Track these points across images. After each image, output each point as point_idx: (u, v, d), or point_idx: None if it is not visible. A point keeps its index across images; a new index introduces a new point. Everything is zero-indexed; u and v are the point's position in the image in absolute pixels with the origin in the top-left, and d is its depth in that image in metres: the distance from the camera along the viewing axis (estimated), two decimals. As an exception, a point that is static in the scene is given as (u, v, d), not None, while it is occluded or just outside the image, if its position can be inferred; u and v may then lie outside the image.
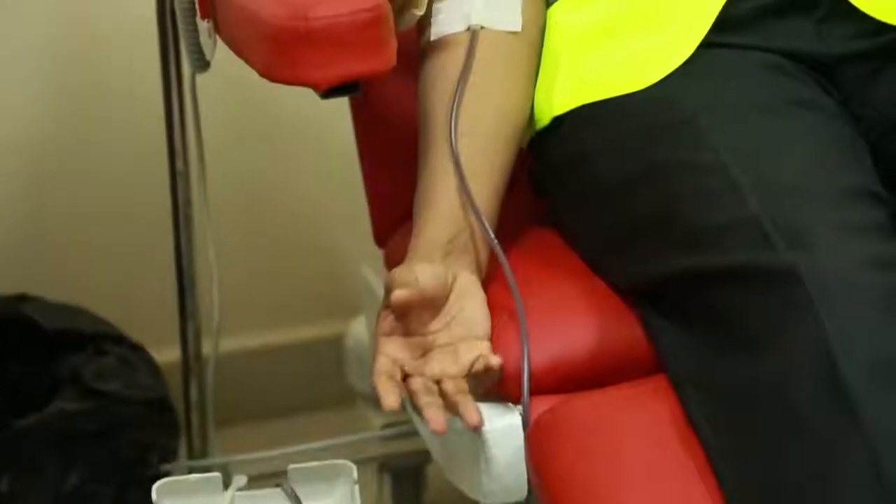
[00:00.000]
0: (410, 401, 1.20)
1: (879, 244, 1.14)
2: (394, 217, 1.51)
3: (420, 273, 1.21)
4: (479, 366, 1.20)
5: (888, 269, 1.12)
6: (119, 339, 1.78)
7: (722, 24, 1.29)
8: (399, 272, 1.22)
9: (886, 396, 1.07)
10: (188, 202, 1.67)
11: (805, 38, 1.30)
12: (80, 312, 1.82)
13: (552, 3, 1.40)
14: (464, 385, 1.19)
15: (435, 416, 1.16)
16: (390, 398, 1.17)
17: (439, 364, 1.21)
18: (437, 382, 1.19)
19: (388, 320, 1.22)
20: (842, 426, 1.07)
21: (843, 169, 1.20)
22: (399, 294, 1.19)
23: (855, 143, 1.25)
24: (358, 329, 1.91)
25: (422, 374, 1.20)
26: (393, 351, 1.21)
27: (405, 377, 1.20)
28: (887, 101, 1.29)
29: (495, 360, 1.20)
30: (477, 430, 1.20)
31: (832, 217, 1.15)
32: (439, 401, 1.18)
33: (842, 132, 1.25)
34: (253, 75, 1.27)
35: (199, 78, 1.55)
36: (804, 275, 1.11)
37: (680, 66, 1.28)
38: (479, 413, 1.19)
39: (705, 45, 1.29)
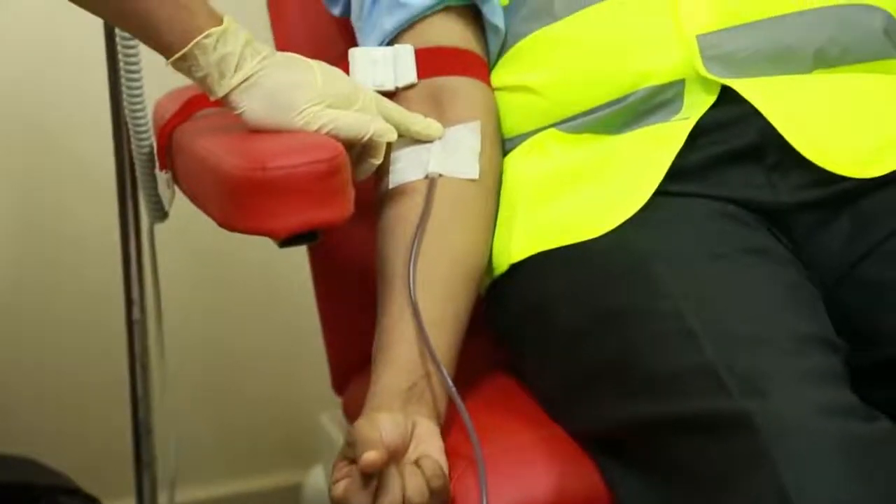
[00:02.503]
0: None
1: (834, 391, 1.15)
2: (352, 364, 1.51)
3: (384, 428, 1.20)
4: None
5: (844, 417, 1.12)
6: (73, 492, 1.76)
7: (675, 173, 1.31)
8: (363, 428, 1.20)
9: None
10: (145, 351, 1.67)
11: (756, 188, 1.32)
12: (32, 464, 1.79)
13: (509, 152, 1.42)
14: None
15: None
16: None
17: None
18: None
19: (345, 471, 1.21)
20: None
21: (797, 316, 1.21)
22: (368, 458, 1.17)
23: (808, 290, 1.26)
24: (316, 478, 1.89)
25: None
26: (350, 497, 1.20)
27: None
28: (838, 249, 1.31)
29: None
30: None
31: (787, 365, 1.15)
32: None
33: (795, 279, 1.27)
34: (211, 224, 1.28)
35: (157, 226, 1.56)
36: (760, 423, 1.11)
37: (634, 215, 1.30)
38: None
39: (659, 193, 1.30)
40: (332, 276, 1.56)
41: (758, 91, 1.31)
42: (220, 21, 1.25)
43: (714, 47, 1.33)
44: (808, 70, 1.35)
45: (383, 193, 1.37)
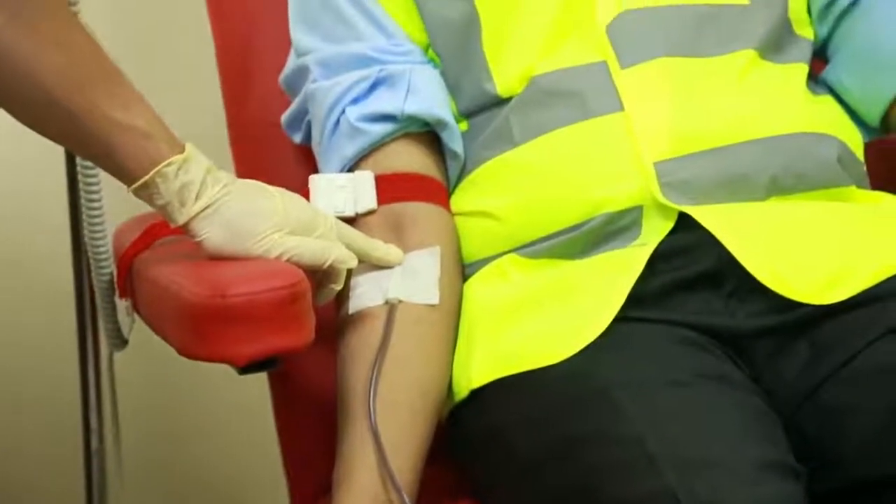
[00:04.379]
0: None
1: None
2: (313, 490, 1.50)
3: None
4: None
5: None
6: None
7: (634, 299, 1.32)
8: None
9: None
10: (103, 479, 1.65)
11: (714, 314, 1.32)
12: None
13: (469, 277, 1.42)
14: None
15: None
16: None
17: None
18: None
19: None
20: None
21: (757, 442, 1.21)
22: None
23: (767, 415, 1.27)
24: None
25: None
26: None
27: None
28: (797, 375, 1.31)
29: None
30: None
31: (747, 491, 1.15)
32: None
33: (754, 405, 1.27)
34: (170, 350, 1.27)
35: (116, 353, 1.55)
36: None
37: (595, 340, 1.30)
38: None
39: (619, 319, 1.31)
40: (293, 402, 1.56)
41: (715, 218, 1.33)
42: (181, 149, 1.25)
43: (671, 174, 1.34)
44: (763, 197, 1.36)
45: (343, 319, 1.37)
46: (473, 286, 1.41)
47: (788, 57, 1.45)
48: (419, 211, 1.41)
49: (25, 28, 1.19)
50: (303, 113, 1.51)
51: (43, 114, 1.22)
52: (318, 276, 1.31)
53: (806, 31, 1.49)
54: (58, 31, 1.21)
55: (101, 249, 1.44)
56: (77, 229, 1.58)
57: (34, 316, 1.94)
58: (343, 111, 1.43)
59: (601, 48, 1.40)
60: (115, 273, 1.44)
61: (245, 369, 1.24)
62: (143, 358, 1.62)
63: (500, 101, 1.43)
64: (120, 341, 1.50)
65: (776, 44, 1.44)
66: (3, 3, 1.18)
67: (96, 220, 1.44)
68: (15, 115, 1.23)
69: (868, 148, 1.47)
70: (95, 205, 1.42)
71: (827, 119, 1.43)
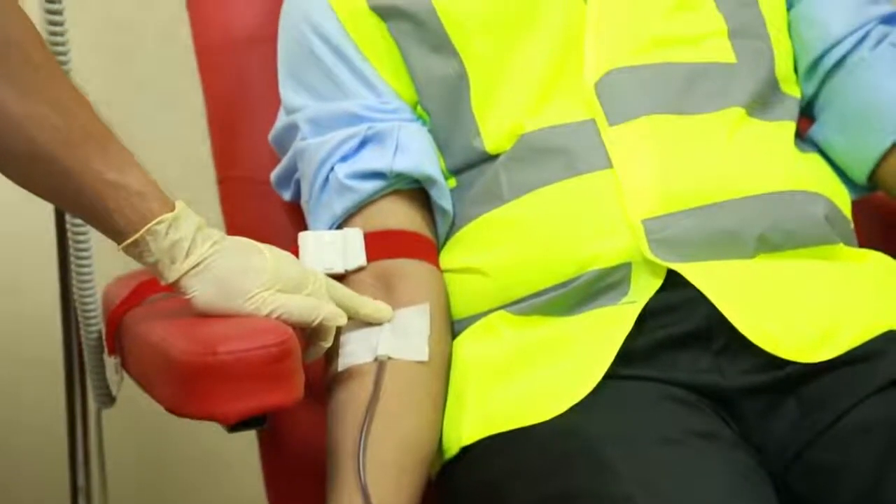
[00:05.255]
0: None
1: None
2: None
3: None
4: None
5: None
6: None
7: (624, 356, 1.32)
8: None
9: None
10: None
11: (703, 372, 1.32)
12: None
13: (458, 334, 1.42)
14: None
15: None
16: None
17: None
18: None
19: None
20: None
21: (747, 501, 1.21)
22: None
23: (757, 474, 1.26)
24: None
25: None
26: None
27: None
28: (786, 434, 1.31)
29: None
30: None
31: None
32: None
33: (744, 464, 1.27)
34: (158, 407, 1.27)
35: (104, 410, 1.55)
36: None
37: (585, 398, 1.30)
38: None
39: (609, 376, 1.31)
40: (281, 460, 1.55)
41: (704, 275, 1.33)
42: (172, 207, 1.26)
43: (659, 231, 1.34)
44: (752, 255, 1.36)
45: (333, 376, 1.37)
46: (463, 343, 1.41)
47: (775, 115, 1.46)
48: (408, 268, 1.41)
49: (18, 87, 1.19)
50: (292, 170, 1.51)
51: (34, 172, 1.23)
52: (308, 333, 1.31)
53: (793, 90, 1.50)
54: (50, 90, 1.21)
55: (90, 307, 1.44)
56: (66, 286, 1.58)
57: (23, 372, 1.93)
58: (332, 168, 1.43)
59: (589, 106, 1.41)
60: (103, 330, 1.44)
61: (234, 427, 1.24)
62: (131, 415, 1.61)
63: (489, 158, 1.44)
64: (108, 398, 1.50)
65: (763, 102, 1.45)
66: None
67: (86, 278, 1.44)
68: (6, 173, 1.23)
69: (855, 205, 1.48)
70: (85, 262, 1.42)
71: (814, 177, 1.44)
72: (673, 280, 1.33)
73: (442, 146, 1.47)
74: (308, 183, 1.46)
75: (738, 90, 1.43)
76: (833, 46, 1.50)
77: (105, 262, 1.44)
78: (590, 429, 1.27)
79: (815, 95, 1.52)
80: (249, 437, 1.55)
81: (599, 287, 1.35)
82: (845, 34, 1.49)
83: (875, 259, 1.44)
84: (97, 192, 1.23)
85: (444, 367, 1.39)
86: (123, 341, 1.38)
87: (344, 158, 1.43)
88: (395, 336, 1.37)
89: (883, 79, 1.47)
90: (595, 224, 1.36)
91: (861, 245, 1.46)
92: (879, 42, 1.49)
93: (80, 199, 1.24)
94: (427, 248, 1.44)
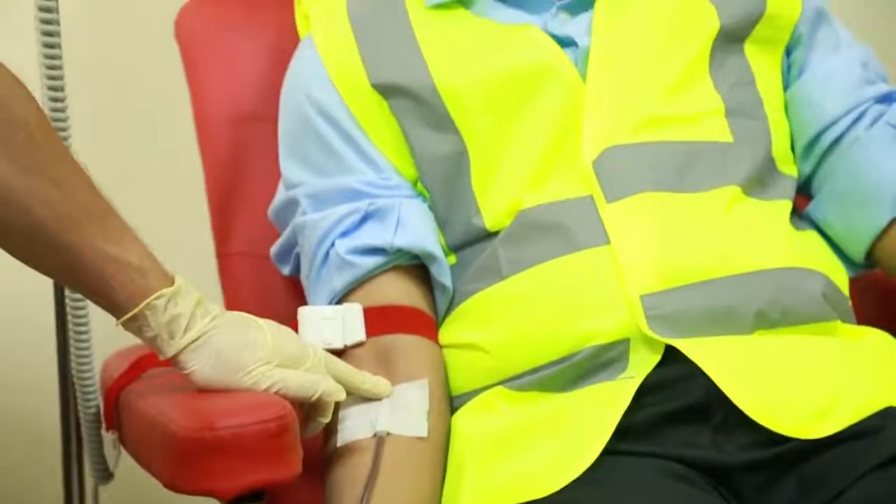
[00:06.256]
0: None
1: None
2: None
3: None
4: None
5: None
6: None
7: (622, 432, 1.31)
8: None
9: None
10: None
11: (702, 447, 1.32)
12: None
13: (457, 409, 1.42)
14: None
15: None
16: None
17: None
18: None
19: None
20: None
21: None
22: None
23: None
24: None
25: None
26: None
27: None
28: (785, 508, 1.31)
29: None
30: None
31: None
32: None
33: (743, 538, 1.27)
34: (156, 483, 1.27)
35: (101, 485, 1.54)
36: None
37: (583, 474, 1.30)
38: None
39: (607, 451, 1.31)
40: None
41: (702, 351, 1.33)
42: (171, 281, 1.26)
43: (657, 307, 1.35)
44: (750, 331, 1.37)
45: (331, 451, 1.37)
46: (461, 419, 1.41)
47: (772, 194, 1.47)
48: (408, 343, 1.41)
49: (21, 164, 1.20)
50: (291, 245, 1.52)
51: (36, 247, 1.23)
52: (307, 408, 1.31)
53: (790, 168, 1.51)
54: (52, 166, 1.22)
55: (88, 381, 1.44)
56: (64, 360, 1.58)
57: (20, 446, 1.92)
58: (333, 244, 1.44)
59: (587, 182, 1.42)
60: (101, 405, 1.44)
61: (232, 502, 1.24)
62: (129, 491, 1.60)
63: (489, 235, 1.44)
64: (105, 474, 1.49)
65: (760, 181, 1.46)
66: None
67: (84, 352, 1.44)
68: (7, 248, 1.23)
69: (853, 283, 1.49)
70: (83, 336, 1.43)
71: (811, 254, 1.45)
72: (671, 356, 1.34)
73: (441, 223, 1.47)
74: (308, 258, 1.46)
75: (735, 169, 1.44)
76: (829, 126, 1.51)
77: (103, 337, 1.44)
78: (588, 505, 1.27)
79: (813, 174, 1.53)
80: None
81: (598, 363, 1.35)
82: (841, 114, 1.51)
83: (873, 336, 1.44)
84: (97, 267, 1.23)
85: (443, 442, 1.39)
86: (121, 416, 1.38)
87: (345, 234, 1.44)
88: (394, 412, 1.37)
89: (879, 158, 1.48)
90: (593, 300, 1.36)
91: (859, 322, 1.46)
92: (875, 121, 1.50)
93: (80, 273, 1.24)
94: (426, 324, 1.44)
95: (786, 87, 1.54)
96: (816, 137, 1.51)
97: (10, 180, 1.19)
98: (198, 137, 1.65)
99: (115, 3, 1.87)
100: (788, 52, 1.54)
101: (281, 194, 1.52)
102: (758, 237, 1.41)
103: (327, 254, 1.44)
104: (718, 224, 1.40)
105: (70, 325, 1.43)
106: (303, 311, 1.42)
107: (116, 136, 1.92)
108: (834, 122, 1.51)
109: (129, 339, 1.32)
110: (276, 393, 1.27)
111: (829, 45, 1.54)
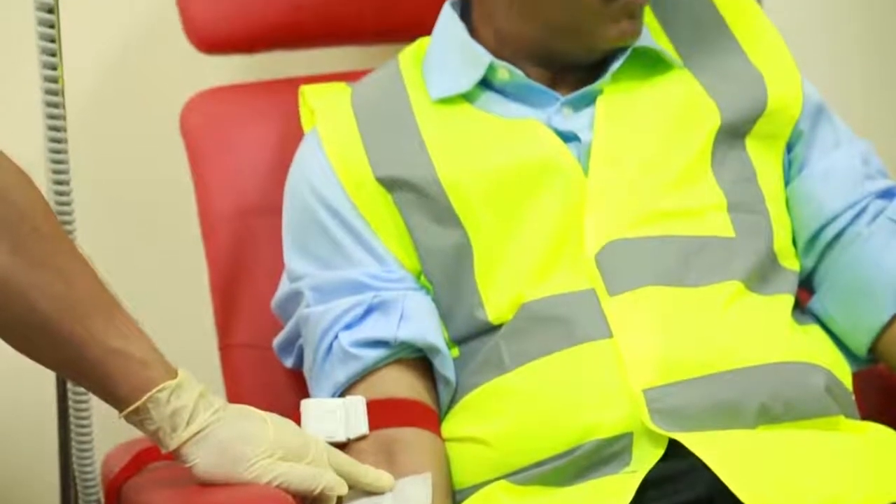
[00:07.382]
0: None
1: None
2: None
3: None
4: None
5: None
6: None
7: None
8: None
9: None
10: None
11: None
12: None
13: (459, 503, 1.41)
14: None
15: None
16: None
17: None
18: None
19: None
20: None
21: None
22: None
23: None
24: None
25: None
26: None
27: None
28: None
29: None
30: None
31: None
32: None
33: None
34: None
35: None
36: None
37: None
38: None
39: None
40: None
41: (705, 445, 1.33)
42: (174, 374, 1.26)
43: (660, 401, 1.35)
44: (753, 425, 1.36)
45: (334, 545, 1.36)
46: (463, 512, 1.40)
47: (774, 288, 1.47)
48: (410, 437, 1.41)
49: (26, 257, 1.20)
50: (295, 337, 1.52)
51: (39, 341, 1.23)
52: (309, 502, 1.31)
53: (791, 263, 1.51)
54: (56, 259, 1.22)
55: (90, 474, 1.44)
56: (66, 453, 1.57)
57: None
58: (336, 336, 1.44)
59: (590, 276, 1.42)
60: (103, 499, 1.43)
61: None
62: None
63: (491, 328, 1.44)
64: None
65: (762, 275, 1.46)
66: (4, 233, 1.20)
67: (85, 445, 1.44)
68: (10, 341, 1.24)
69: (857, 377, 1.48)
70: (85, 430, 1.42)
71: (814, 349, 1.45)
72: (675, 449, 1.33)
73: (444, 316, 1.47)
74: (311, 350, 1.46)
75: (737, 264, 1.44)
76: (831, 222, 1.51)
77: (105, 429, 1.44)
78: None
79: (815, 269, 1.53)
80: None
81: (601, 457, 1.35)
82: (842, 209, 1.51)
83: (876, 431, 1.43)
84: (99, 360, 1.23)
85: (446, 534, 1.38)
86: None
87: (348, 326, 1.44)
88: (396, 502, 1.36)
89: (880, 253, 1.49)
90: (595, 393, 1.36)
91: (862, 417, 1.46)
92: (876, 217, 1.51)
93: (82, 366, 1.24)
94: (429, 417, 1.44)
95: (787, 183, 1.55)
96: (818, 233, 1.52)
97: (15, 272, 1.20)
98: (201, 229, 1.65)
99: (121, 98, 1.89)
100: (789, 147, 1.55)
101: (285, 286, 1.53)
102: (759, 332, 1.41)
103: (331, 346, 1.44)
104: (719, 319, 1.40)
105: (72, 418, 1.43)
106: (306, 404, 1.42)
107: (119, 229, 1.93)
108: (835, 218, 1.51)
109: (131, 432, 1.31)
110: (278, 486, 1.26)
111: (829, 141, 1.55)
